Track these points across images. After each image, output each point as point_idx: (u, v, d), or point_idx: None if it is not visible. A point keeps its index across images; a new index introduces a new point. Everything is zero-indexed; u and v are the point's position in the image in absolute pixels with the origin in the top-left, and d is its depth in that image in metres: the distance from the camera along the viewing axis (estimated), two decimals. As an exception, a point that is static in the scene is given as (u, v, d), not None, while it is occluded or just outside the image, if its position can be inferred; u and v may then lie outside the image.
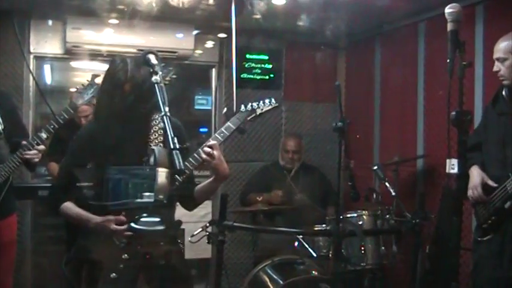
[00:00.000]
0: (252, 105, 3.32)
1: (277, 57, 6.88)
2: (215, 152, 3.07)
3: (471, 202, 3.82)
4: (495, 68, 3.65)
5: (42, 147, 4.08)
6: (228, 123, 3.24)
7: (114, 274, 2.90)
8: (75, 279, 3.18)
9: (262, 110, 3.34)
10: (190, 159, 3.10)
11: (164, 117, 2.37)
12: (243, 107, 3.32)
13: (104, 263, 2.95)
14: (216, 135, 3.19)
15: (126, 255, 2.90)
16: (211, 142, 3.12)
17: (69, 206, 3.18)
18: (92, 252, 3.05)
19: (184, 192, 3.23)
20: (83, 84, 4.18)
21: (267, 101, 3.37)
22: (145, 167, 2.58)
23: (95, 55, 6.05)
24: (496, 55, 3.65)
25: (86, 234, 3.13)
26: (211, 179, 3.27)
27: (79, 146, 3.28)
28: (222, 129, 3.22)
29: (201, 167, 3.18)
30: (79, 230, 3.21)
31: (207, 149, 3.09)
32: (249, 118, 3.30)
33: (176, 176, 2.27)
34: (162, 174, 2.25)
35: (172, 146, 2.25)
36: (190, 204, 3.41)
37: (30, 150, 4.01)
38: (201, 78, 7.20)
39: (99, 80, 4.22)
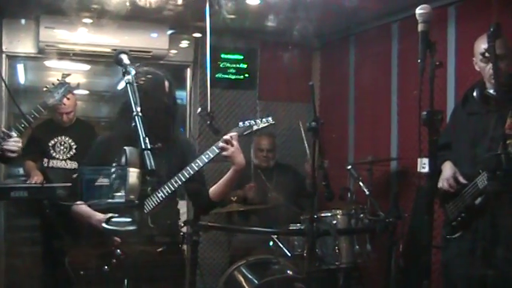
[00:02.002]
0: (249, 122, 3.52)
1: (252, 57, 6.90)
2: (234, 141, 3.33)
3: (440, 198, 3.86)
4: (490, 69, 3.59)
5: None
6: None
7: (106, 267, 3.04)
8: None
9: (258, 126, 3.54)
10: (208, 152, 3.35)
11: (136, 117, 2.36)
12: (240, 123, 3.51)
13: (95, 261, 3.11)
14: (237, 128, 3.47)
15: (118, 250, 3.02)
16: (232, 133, 3.39)
17: (80, 206, 3.28)
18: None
19: (195, 192, 3.50)
20: (53, 83, 4.15)
21: (264, 119, 3.57)
22: (116, 167, 2.57)
23: (68, 54, 6.01)
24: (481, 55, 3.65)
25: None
26: (228, 172, 3.45)
27: (95, 154, 3.42)
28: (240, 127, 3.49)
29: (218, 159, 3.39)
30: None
31: (226, 137, 3.34)
32: (245, 133, 3.50)
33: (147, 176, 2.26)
34: (133, 174, 2.25)
35: (143, 146, 2.25)
36: (204, 205, 3.58)
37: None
38: (175, 78, 7.16)
39: (69, 79, 4.20)
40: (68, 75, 4.22)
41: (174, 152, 3.41)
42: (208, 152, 3.35)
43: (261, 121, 3.55)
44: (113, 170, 2.74)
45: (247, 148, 6.27)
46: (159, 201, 3.26)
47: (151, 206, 3.22)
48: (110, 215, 3.06)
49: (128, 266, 3.00)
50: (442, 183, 3.73)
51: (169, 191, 3.28)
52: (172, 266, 3.44)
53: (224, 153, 3.33)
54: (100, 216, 3.14)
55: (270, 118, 3.58)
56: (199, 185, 3.48)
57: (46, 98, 4.09)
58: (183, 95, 6.84)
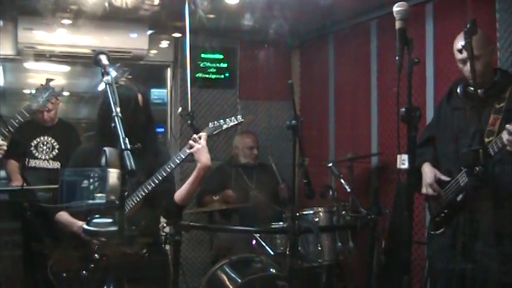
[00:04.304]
0: (219, 122, 3.59)
1: (232, 56, 6.90)
2: (202, 140, 3.40)
3: (425, 197, 3.88)
4: (469, 68, 3.45)
5: None
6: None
7: (84, 272, 3.11)
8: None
9: (228, 125, 3.60)
10: (180, 153, 3.42)
11: (116, 117, 2.37)
12: (210, 124, 3.58)
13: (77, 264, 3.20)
14: (207, 128, 3.56)
15: (96, 255, 3.12)
16: (201, 133, 3.48)
17: (62, 214, 3.42)
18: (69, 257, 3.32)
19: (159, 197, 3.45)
20: (37, 88, 4.15)
21: (233, 118, 3.63)
22: (96, 168, 2.57)
23: (48, 56, 5.97)
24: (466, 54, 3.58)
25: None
26: (193, 172, 3.44)
27: (76, 164, 3.41)
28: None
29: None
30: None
31: (195, 136, 3.43)
32: (215, 132, 3.57)
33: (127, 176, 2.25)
34: (113, 175, 2.25)
35: (123, 147, 2.25)
36: (171, 210, 3.55)
37: None
38: (156, 78, 7.18)
39: (53, 83, 4.20)
40: (52, 79, 4.22)
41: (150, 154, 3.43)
42: (180, 153, 3.43)
43: (231, 120, 3.63)
44: (93, 171, 2.74)
45: (230, 147, 6.28)
46: (133, 204, 3.34)
47: (127, 209, 3.26)
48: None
49: (110, 268, 2.99)
50: (426, 190, 3.75)
51: (143, 194, 3.37)
52: (155, 267, 3.47)
53: (191, 150, 3.41)
54: (80, 222, 3.19)
55: (239, 117, 3.66)
56: (165, 189, 3.51)
57: (30, 102, 4.10)
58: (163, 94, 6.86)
